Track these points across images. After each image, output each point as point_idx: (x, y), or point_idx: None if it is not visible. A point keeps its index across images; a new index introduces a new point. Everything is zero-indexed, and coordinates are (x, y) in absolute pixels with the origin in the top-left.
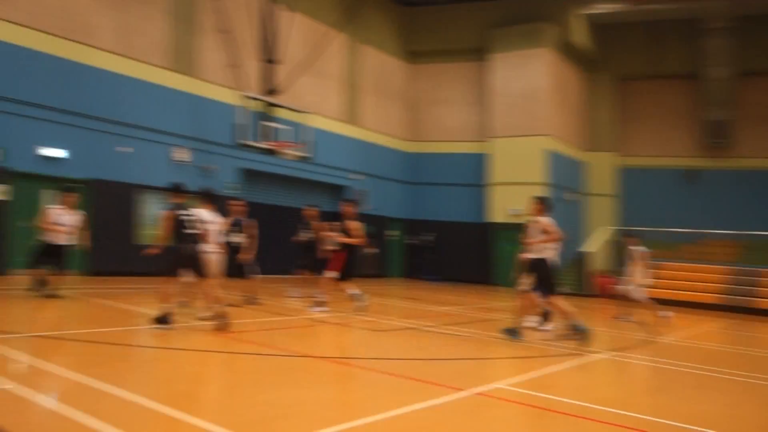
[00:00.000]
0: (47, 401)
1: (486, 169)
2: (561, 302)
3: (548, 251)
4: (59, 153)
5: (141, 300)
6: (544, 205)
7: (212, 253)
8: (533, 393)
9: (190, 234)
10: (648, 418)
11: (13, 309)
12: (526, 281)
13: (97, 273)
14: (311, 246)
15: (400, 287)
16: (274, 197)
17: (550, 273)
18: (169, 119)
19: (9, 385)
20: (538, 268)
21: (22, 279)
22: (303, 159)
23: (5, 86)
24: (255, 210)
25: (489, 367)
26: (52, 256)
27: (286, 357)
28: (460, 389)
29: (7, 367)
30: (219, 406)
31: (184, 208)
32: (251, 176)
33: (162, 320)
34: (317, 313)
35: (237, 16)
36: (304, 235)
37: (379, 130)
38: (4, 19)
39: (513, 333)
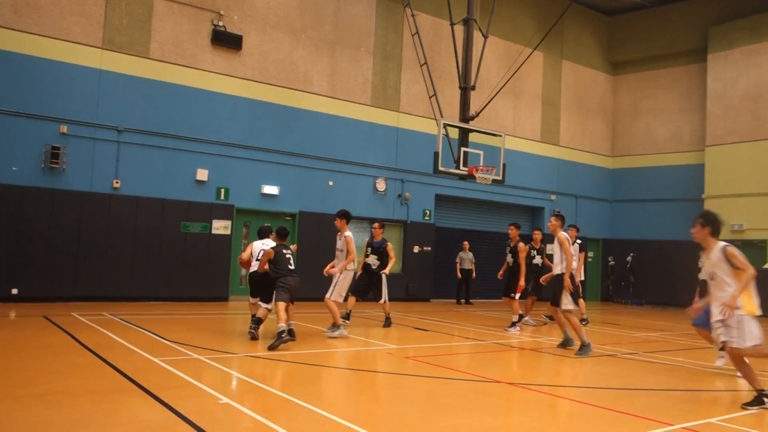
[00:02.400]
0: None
1: (702, 182)
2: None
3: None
4: (274, 190)
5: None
6: (562, 221)
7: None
8: (753, 431)
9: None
10: None
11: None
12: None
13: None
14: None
15: (598, 311)
16: (469, 221)
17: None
18: (372, 152)
19: None
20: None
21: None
22: (497, 182)
23: (234, 133)
24: (448, 234)
25: (700, 400)
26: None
27: (477, 382)
28: (669, 423)
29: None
30: (405, 428)
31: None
32: (446, 202)
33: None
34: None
35: (436, 48)
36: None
37: (578, 147)
38: (237, 77)
39: (583, 349)
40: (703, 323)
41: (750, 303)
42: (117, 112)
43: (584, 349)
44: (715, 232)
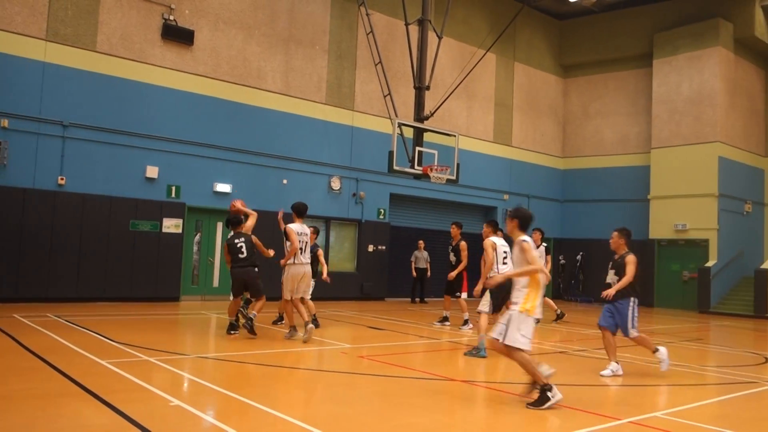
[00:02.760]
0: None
1: (648, 183)
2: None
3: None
4: (227, 188)
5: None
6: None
7: None
8: (697, 424)
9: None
10: None
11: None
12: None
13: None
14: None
15: (549, 309)
16: (423, 220)
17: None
18: (327, 151)
19: None
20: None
21: (190, 305)
22: (452, 182)
23: (185, 130)
24: (403, 233)
25: (646, 394)
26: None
27: (431, 380)
28: (616, 418)
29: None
30: (361, 428)
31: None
32: (401, 201)
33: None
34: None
35: (390, 48)
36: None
37: (530, 147)
38: (189, 72)
39: (476, 350)
40: (610, 326)
41: (530, 302)
42: (62, 107)
43: (477, 351)
44: (523, 226)
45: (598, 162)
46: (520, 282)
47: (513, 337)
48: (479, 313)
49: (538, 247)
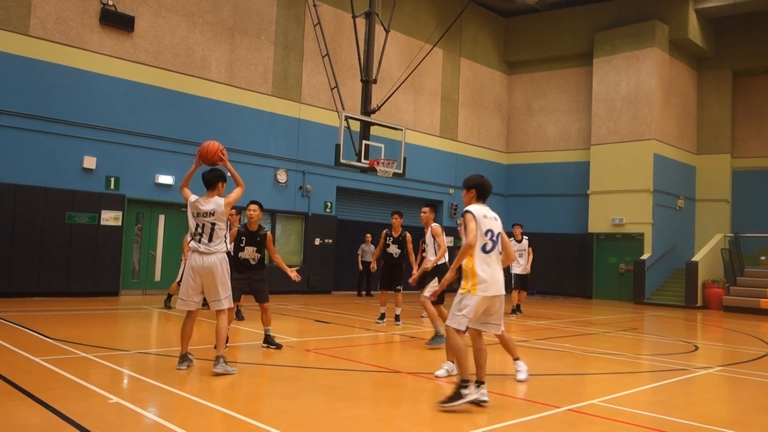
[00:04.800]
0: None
1: (587, 178)
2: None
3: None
4: (169, 180)
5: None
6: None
7: None
8: (632, 410)
9: None
10: None
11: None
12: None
13: None
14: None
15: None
16: (370, 214)
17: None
18: (273, 143)
19: None
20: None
21: (131, 299)
22: (398, 176)
23: (125, 120)
24: (350, 226)
25: (585, 382)
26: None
27: (377, 373)
28: (556, 406)
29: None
30: (307, 421)
31: None
32: (348, 194)
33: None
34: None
35: (338, 40)
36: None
37: (475, 142)
38: (129, 60)
39: (436, 339)
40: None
41: (469, 281)
42: None
43: (437, 339)
44: (481, 196)
45: (540, 157)
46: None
47: (450, 315)
48: (423, 300)
49: (520, 241)
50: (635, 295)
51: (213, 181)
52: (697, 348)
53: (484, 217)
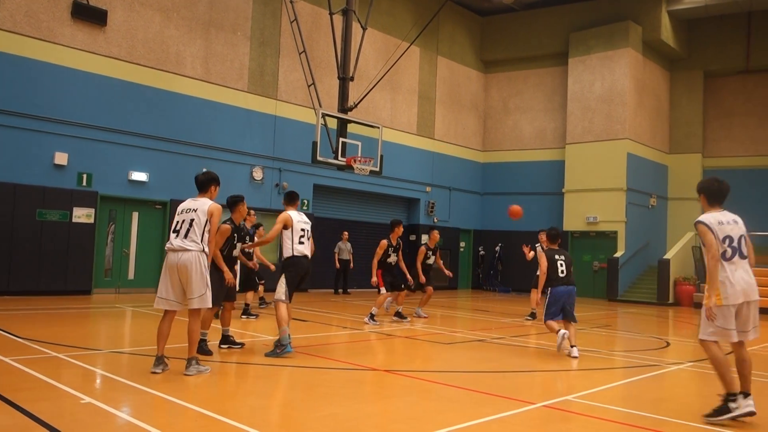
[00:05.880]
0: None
1: (562, 177)
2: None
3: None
4: (143, 177)
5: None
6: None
7: None
8: (605, 406)
9: None
10: None
11: (96, 326)
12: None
13: None
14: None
15: (469, 299)
16: (347, 212)
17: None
18: (249, 140)
19: None
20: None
21: (103, 298)
22: (375, 174)
23: (97, 115)
24: (326, 224)
25: (558, 379)
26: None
27: (354, 370)
28: (531, 402)
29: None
30: (284, 420)
31: None
32: (324, 192)
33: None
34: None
35: (315, 37)
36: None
37: (452, 141)
38: (102, 54)
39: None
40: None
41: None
42: None
43: (283, 348)
44: (711, 200)
45: (516, 156)
46: None
47: (701, 328)
48: (276, 302)
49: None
50: (609, 293)
51: (206, 183)
52: (668, 344)
53: (719, 223)
